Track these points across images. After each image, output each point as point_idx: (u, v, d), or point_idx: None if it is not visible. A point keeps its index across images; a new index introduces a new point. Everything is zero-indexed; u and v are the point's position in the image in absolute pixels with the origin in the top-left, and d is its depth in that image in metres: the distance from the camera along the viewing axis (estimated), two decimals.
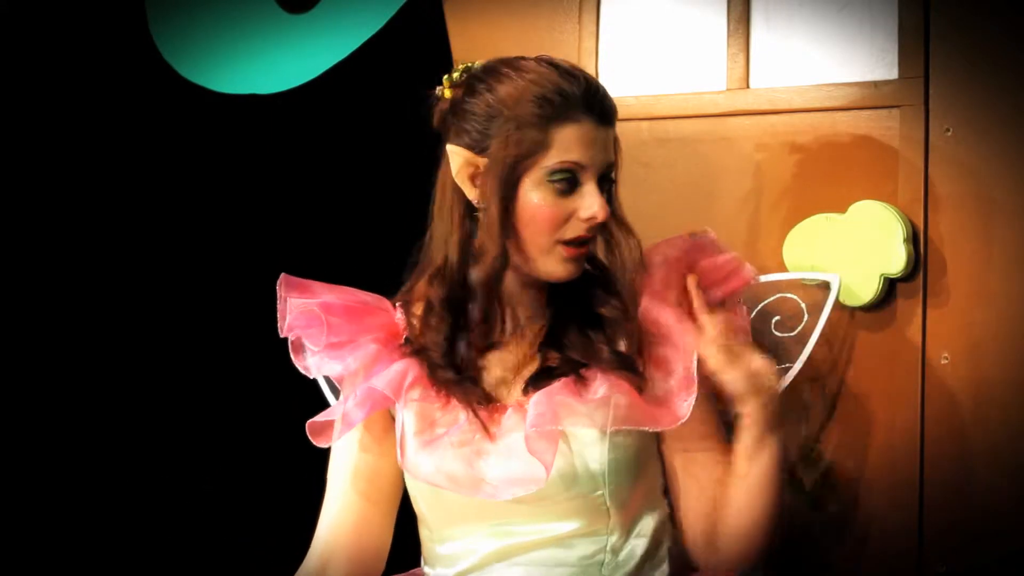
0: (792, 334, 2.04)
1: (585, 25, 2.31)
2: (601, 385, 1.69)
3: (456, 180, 1.72)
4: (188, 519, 2.79)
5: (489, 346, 1.78)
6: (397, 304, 1.82)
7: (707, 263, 1.80)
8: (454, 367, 1.75)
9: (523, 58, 1.74)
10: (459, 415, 1.73)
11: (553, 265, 1.71)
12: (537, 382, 1.72)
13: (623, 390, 1.68)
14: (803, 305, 2.04)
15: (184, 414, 2.84)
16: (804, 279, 2.06)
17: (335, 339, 1.80)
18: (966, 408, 2.02)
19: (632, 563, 1.73)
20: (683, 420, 1.69)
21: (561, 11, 2.34)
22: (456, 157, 1.72)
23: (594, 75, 2.28)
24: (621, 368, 1.71)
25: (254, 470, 2.77)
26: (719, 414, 1.77)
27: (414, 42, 2.50)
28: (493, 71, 1.74)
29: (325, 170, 2.81)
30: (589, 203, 1.69)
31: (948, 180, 2.04)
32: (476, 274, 1.73)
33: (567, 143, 1.68)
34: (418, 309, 1.80)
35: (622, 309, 1.74)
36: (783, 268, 2.10)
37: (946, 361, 2.03)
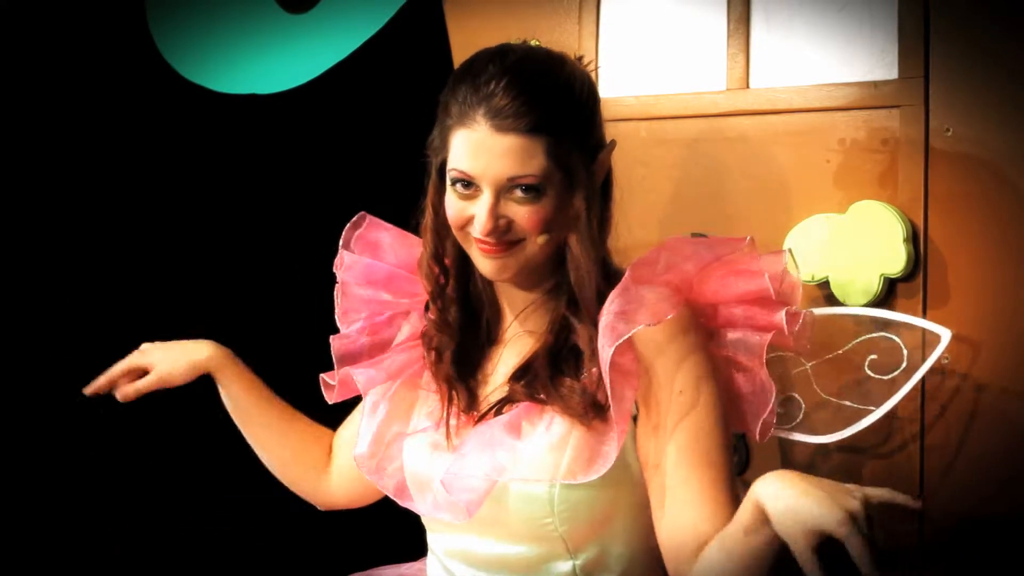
0: (885, 378, 1.97)
1: (585, 25, 2.31)
2: (551, 429, 1.65)
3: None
4: (188, 518, 2.79)
5: (491, 343, 1.79)
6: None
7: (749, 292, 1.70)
8: (456, 363, 1.77)
9: (494, 50, 1.70)
10: (435, 415, 1.79)
11: (479, 261, 1.70)
12: (497, 412, 1.71)
13: (573, 439, 1.63)
14: (905, 352, 1.96)
15: (183, 414, 2.84)
16: (914, 324, 1.97)
17: (357, 324, 1.88)
18: (966, 408, 2.02)
19: None
20: (608, 464, 1.60)
21: (561, 11, 2.34)
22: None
23: (593, 75, 2.29)
24: (579, 411, 1.64)
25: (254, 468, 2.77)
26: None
27: (414, 42, 2.51)
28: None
29: (325, 170, 2.81)
30: (479, 210, 1.64)
31: (948, 180, 2.04)
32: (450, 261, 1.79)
33: (457, 149, 1.65)
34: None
35: (591, 343, 1.65)
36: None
37: (946, 361, 2.03)
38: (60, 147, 2.80)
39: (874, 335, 2.00)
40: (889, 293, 2.06)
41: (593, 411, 1.63)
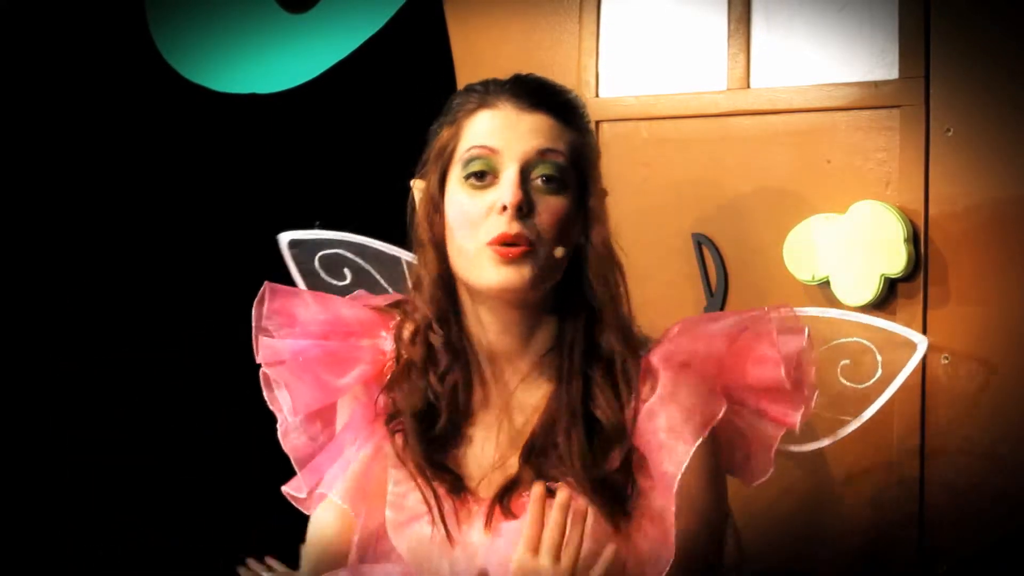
0: (860, 387, 1.89)
1: (585, 25, 2.31)
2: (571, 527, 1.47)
3: (419, 216, 1.60)
4: (188, 517, 2.79)
5: (470, 412, 1.59)
6: (392, 324, 1.65)
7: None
8: (427, 441, 1.56)
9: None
10: (420, 501, 1.56)
11: (486, 271, 1.51)
12: (504, 500, 1.53)
13: (591, 534, 1.47)
14: (879, 358, 1.87)
15: (183, 414, 2.84)
16: (889, 330, 1.89)
17: (301, 410, 1.64)
18: (966, 408, 2.02)
19: None
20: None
21: (561, 11, 2.34)
22: (415, 191, 1.62)
23: (594, 75, 2.29)
24: (601, 498, 1.49)
25: (254, 468, 2.77)
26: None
27: (414, 42, 2.50)
28: None
29: (325, 170, 2.81)
30: (503, 190, 1.50)
31: (948, 180, 2.04)
32: (431, 313, 1.57)
33: (477, 129, 1.54)
34: (407, 331, 1.62)
35: (617, 417, 1.53)
36: (783, 268, 2.10)
37: (946, 361, 2.02)
38: (60, 147, 2.80)
39: (846, 340, 1.97)
40: (889, 293, 2.06)
41: (618, 506, 1.51)
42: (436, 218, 1.57)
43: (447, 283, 1.58)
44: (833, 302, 2.05)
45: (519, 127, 1.52)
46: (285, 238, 2.17)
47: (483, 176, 1.53)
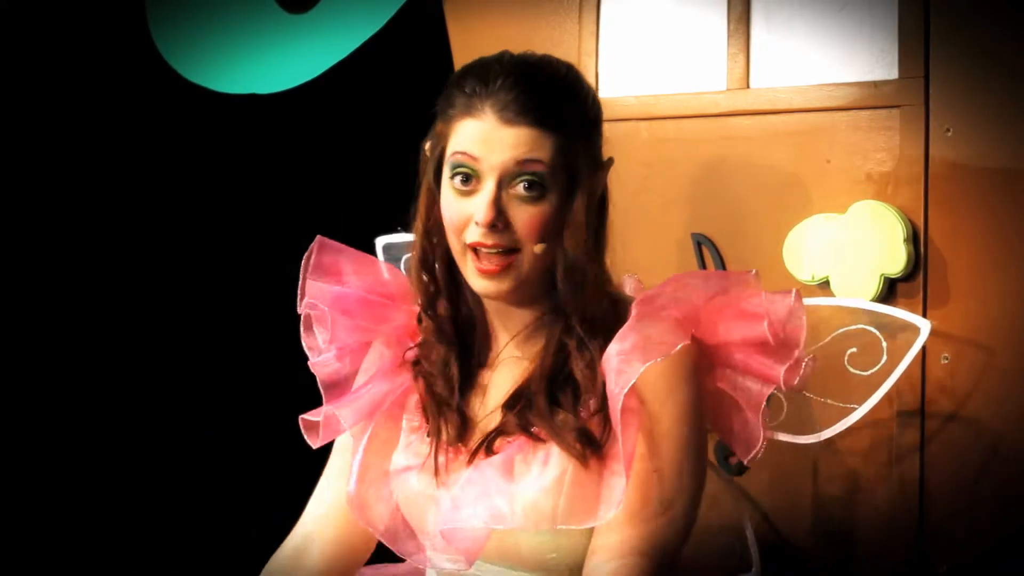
0: (865, 374, 1.93)
1: (585, 25, 2.31)
2: (546, 470, 1.57)
3: (419, 203, 1.67)
4: (189, 516, 2.79)
5: (481, 366, 1.69)
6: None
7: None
8: (447, 384, 1.67)
9: (496, 55, 1.65)
10: (425, 449, 1.67)
11: (470, 275, 1.60)
12: (488, 446, 1.62)
13: (568, 480, 1.55)
14: (884, 344, 1.92)
15: (182, 413, 2.84)
16: (894, 315, 1.94)
17: (338, 343, 1.75)
18: (966, 408, 2.02)
19: None
20: (613, 508, 1.53)
21: (561, 11, 2.34)
22: (425, 152, 1.67)
23: (594, 75, 2.29)
24: (576, 450, 1.56)
25: (256, 467, 2.77)
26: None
27: (414, 42, 2.50)
28: None
29: (325, 170, 2.81)
30: (478, 204, 1.56)
31: (948, 180, 2.04)
32: (440, 275, 1.67)
33: (461, 136, 1.58)
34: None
35: (590, 372, 1.59)
36: (783, 268, 2.10)
37: (946, 361, 2.03)
38: (60, 147, 2.80)
39: (853, 328, 1.99)
40: (889, 293, 2.06)
41: (590, 448, 1.56)
42: (434, 210, 1.64)
43: (435, 269, 1.67)
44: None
45: (502, 140, 1.55)
46: (381, 242, 2.23)
47: (468, 180, 1.58)
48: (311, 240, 1.79)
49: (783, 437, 1.96)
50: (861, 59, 2.11)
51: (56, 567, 2.74)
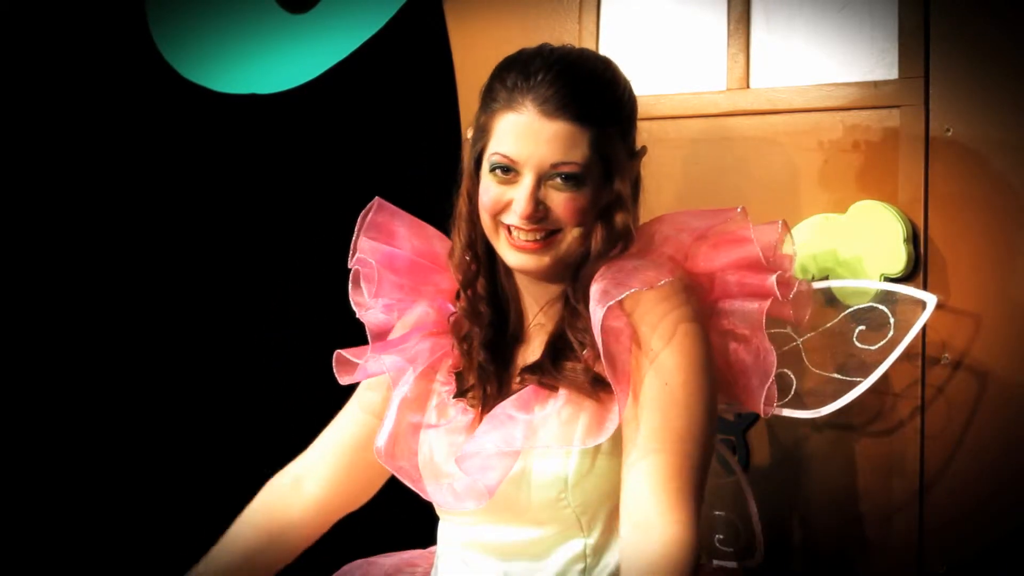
0: (873, 348, 1.97)
1: (585, 25, 2.31)
2: (562, 407, 1.66)
3: (461, 188, 1.77)
4: (192, 507, 2.79)
5: (514, 338, 1.78)
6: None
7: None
8: (489, 350, 1.75)
9: (537, 47, 1.73)
10: (454, 411, 1.76)
11: (503, 250, 1.70)
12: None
13: (584, 412, 1.65)
14: (892, 320, 1.97)
15: (183, 413, 2.84)
16: (899, 292, 1.99)
17: (386, 300, 1.84)
18: (966, 408, 2.02)
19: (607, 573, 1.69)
20: (616, 422, 1.62)
21: (561, 11, 2.34)
22: (467, 136, 1.76)
23: None
24: (586, 387, 1.66)
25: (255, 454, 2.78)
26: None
27: (414, 42, 2.51)
28: None
29: (325, 170, 2.81)
30: (518, 196, 1.66)
31: (948, 180, 2.04)
32: (456, 256, 1.76)
33: (501, 133, 1.67)
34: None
35: (586, 334, 1.68)
36: None
37: (946, 361, 2.03)
38: (60, 146, 2.80)
39: (862, 306, 2.00)
40: (889, 293, 2.06)
41: (599, 385, 1.65)
42: (473, 192, 1.72)
43: (477, 249, 1.75)
44: (833, 301, 2.05)
45: (540, 135, 1.65)
46: None
47: (507, 171, 1.66)
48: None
49: (789, 413, 1.97)
50: (861, 59, 2.11)
51: (57, 567, 2.74)
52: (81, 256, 2.82)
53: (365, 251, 1.82)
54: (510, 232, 1.68)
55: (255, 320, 2.82)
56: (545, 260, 1.69)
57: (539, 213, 1.65)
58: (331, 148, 2.81)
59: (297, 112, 2.62)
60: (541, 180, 1.66)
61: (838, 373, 1.98)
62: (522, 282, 1.77)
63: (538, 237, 1.67)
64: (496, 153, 1.66)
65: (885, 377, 2.05)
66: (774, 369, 1.69)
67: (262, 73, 2.52)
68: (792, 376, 2.00)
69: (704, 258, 1.73)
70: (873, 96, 2.08)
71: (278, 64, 2.51)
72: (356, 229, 1.84)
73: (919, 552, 2.03)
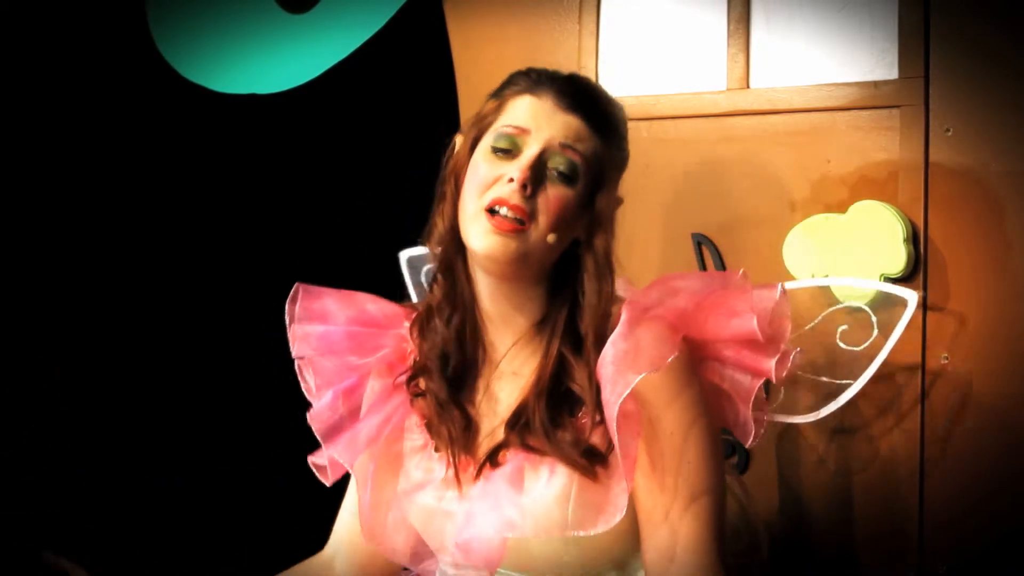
0: (857, 349, 1.98)
1: (585, 25, 2.31)
2: (553, 480, 1.61)
3: (447, 171, 1.72)
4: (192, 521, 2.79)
5: (480, 377, 1.72)
6: (412, 317, 1.78)
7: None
8: (445, 380, 1.70)
9: None
10: (435, 465, 1.71)
11: (476, 234, 1.62)
12: (492, 459, 1.66)
13: (575, 490, 1.59)
14: (874, 319, 1.98)
15: (184, 413, 2.85)
16: (881, 290, 1.99)
17: (329, 386, 1.78)
18: (966, 408, 2.02)
19: None
20: (620, 514, 1.58)
21: (561, 11, 2.34)
22: (457, 143, 1.72)
23: (594, 75, 2.29)
24: (579, 463, 1.60)
25: (260, 467, 2.77)
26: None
27: (414, 42, 2.51)
28: None
29: (325, 169, 2.81)
30: (517, 164, 1.61)
31: (948, 180, 2.04)
32: (438, 260, 1.70)
33: (515, 110, 1.66)
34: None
35: (588, 384, 1.63)
36: (783, 268, 2.10)
37: (946, 361, 2.03)
38: (60, 146, 2.80)
39: (842, 306, 2.01)
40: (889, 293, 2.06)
41: (592, 460, 1.60)
42: (459, 177, 1.69)
43: (456, 237, 1.69)
44: (833, 301, 2.05)
45: (553, 120, 1.64)
46: (404, 255, 2.25)
47: (508, 152, 1.64)
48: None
49: (779, 418, 1.97)
50: (861, 59, 2.11)
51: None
52: (81, 255, 2.82)
53: (301, 340, 1.79)
54: (491, 214, 1.61)
55: (255, 320, 2.82)
56: (511, 247, 1.61)
57: (531, 187, 1.61)
58: (331, 148, 2.81)
59: (297, 112, 2.62)
60: (543, 158, 1.62)
61: (825, 376, 1.98)
62: (488, 316, 1.70)
63: (517, 217, 1.61)
64: (507, 125, 1.64)
65: (885, 377, 2.05)
66: (751, 438, 1.66)
67: (262, 73, 2.53)
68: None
69: (700, 329, 1.67)
70: (873, 96, 2.08)
71: (278, 64, 2.51)
72: (287, 321, 1.80)
73: (919, 552, 2.03)
